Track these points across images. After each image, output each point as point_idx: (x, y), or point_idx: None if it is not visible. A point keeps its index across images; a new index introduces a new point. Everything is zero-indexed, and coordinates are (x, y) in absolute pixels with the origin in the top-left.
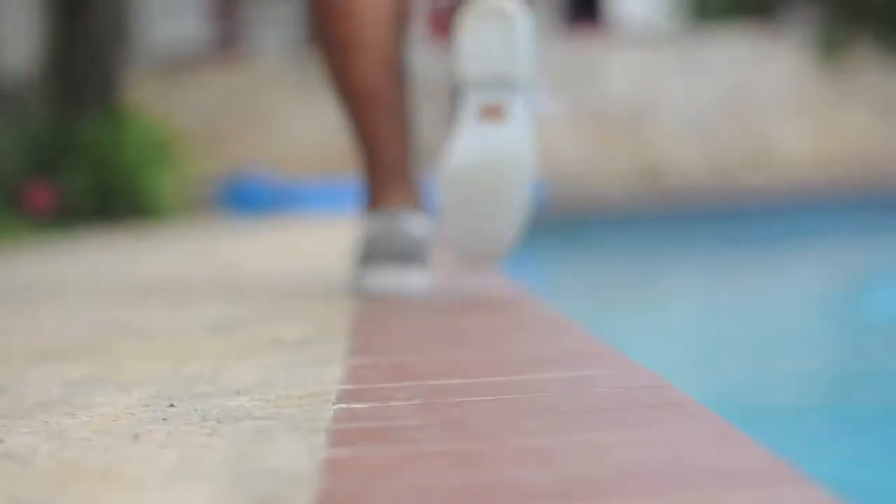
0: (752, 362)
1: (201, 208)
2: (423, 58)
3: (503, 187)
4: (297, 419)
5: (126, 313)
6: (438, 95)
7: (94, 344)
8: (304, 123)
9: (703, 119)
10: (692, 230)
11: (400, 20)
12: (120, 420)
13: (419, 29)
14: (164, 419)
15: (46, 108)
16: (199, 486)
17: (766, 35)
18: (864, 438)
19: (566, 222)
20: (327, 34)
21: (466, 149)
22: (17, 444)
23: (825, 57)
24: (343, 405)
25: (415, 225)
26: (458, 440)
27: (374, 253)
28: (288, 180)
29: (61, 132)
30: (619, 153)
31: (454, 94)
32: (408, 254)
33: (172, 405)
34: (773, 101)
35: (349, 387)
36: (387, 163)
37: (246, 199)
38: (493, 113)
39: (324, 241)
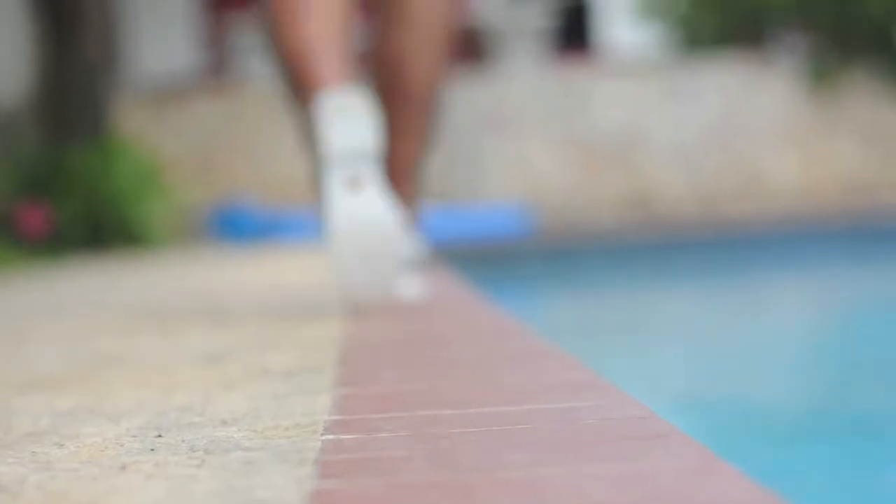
0: (740, 393)
1: (191, 237)
2: None
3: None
4: (286, 450)
5: (114, 343)
6: None
7: (82, 373)
8: (294, 151)
9: (693, 148)
10: (681, 259)
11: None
12: (108, 450)
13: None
14: (152, 450)
15: (37, 137)
16: None
17: (755, 64)
18: (851, 470)
19: (555, 251)
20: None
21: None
22: (5, 475)
23: (815, 86)
24: (331, 436)
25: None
26: (446, 472)
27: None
28: (277, 209)
29: (52, 161)
30: (609, 182)
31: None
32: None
33: (160, 436)
34: (762, 130)
35: (337, 417)
36: None
37: (235, 227)
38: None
39: (312, 269)
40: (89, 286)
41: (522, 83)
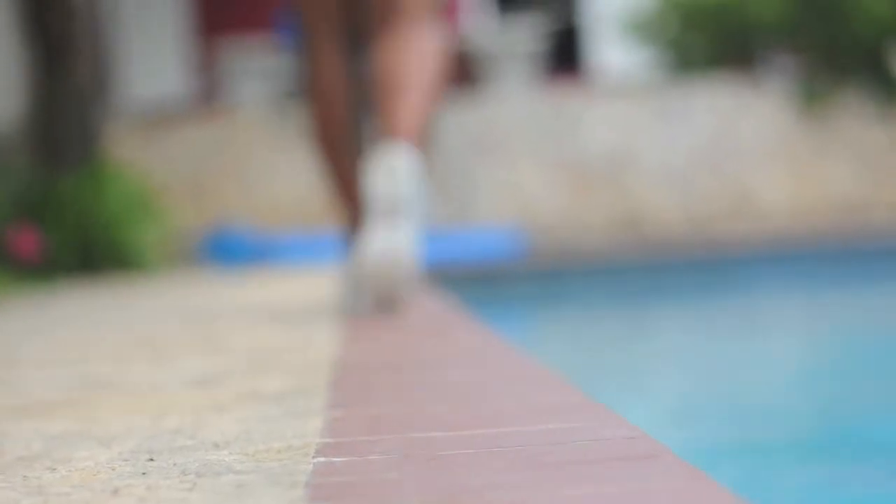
0: (731, 413)
1: (183, 261)
2: None
3: (394, 272)
4: (277, 473)
5: (105, 367)
6: None
7: (74, 398)
8: (285, 176)
9: (683, 169)
10: (672, 280)
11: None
12: (100, 474)
13: None
14: (144, 473)
15: (29, 163)
16: None
17: (746, 85)
18: (844, 490)
19: (547, 273)
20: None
21: (372, 244)
22: None
23: (806, 107)
24: (322, 458)
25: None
26: (438, 495)
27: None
28: (268, 233)
29: (43, 187)
30: (599, 204)
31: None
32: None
33: (152, 459)
34: (753, 151)
35: (328, 440)
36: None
37: (227, 251)
38: (388, 219)
39: (303, 292)
40: (80, 310)
41: (513, 106)
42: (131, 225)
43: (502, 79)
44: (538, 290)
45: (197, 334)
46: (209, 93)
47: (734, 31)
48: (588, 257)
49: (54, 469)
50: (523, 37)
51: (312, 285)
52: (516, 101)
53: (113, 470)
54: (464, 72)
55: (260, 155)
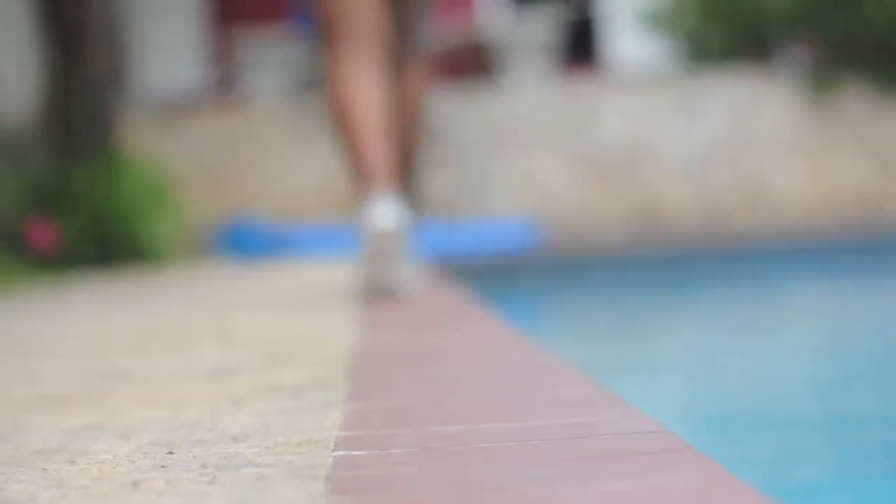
0: (750, 407)
1: (199, 253)
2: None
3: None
4: (297, 466)
5: (123, 359)
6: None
7: (92, 391)
8: (301, 167)
9: (699, 161)
10: (688, 272)
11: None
12: (119, 467)
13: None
14: (164, 466)
15: (45, 154)
16: None
17: (761, 77)
18: (862, 485)
19: (563, 265)
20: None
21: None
22: (17, 492)
23: (819, 98)
24: (342, 452)
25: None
26: (458, 489)
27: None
28: (285, 224)
29: (59, 178)
30: (616, 196)
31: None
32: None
33: (171, 452)
34: (768, 144)
35: (348, 433)
36: None
37: (243, 243)
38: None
39: (319, 283)
40: (97, 302)
41: (529, 97)
42: (147, 216)
43: (518, 70)
44: (554, 282)
45: (213, 326)
46: (225, 83)
47: (750, 21)
48: (604, 249)
49: (73, 462)
50: (539, 28)
51: (328, 277)
52: (532, 92)
53: (132, 463)
54: (479, 63)
55: (276, 146)
